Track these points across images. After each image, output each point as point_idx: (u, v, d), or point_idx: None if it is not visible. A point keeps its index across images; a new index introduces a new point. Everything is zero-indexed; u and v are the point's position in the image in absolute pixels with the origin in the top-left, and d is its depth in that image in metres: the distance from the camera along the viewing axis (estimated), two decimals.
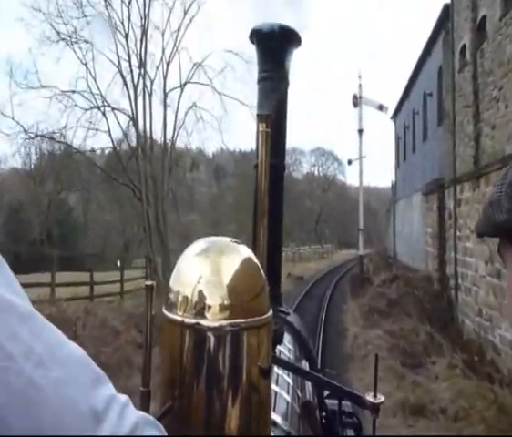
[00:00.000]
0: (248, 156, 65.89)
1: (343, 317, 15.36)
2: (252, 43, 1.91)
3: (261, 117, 1.30)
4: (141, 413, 0.67)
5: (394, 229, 27.81)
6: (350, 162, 20.79)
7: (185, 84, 19.03)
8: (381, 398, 1.12)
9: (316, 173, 68.28)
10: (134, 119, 17.49)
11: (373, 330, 11.56)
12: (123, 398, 0.65)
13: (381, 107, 20.00)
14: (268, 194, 1.33)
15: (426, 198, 16.76)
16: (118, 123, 18.07)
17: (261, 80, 1.93)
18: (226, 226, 53.02)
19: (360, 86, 19.92)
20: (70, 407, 0.57)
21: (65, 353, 0.60)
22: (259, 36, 1.88)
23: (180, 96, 21.10)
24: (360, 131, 19.89)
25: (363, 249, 20.74)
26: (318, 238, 54.47)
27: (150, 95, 18.39)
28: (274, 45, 1.86)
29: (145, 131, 18.37)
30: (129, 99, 17.58)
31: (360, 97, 19.64)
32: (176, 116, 19.20)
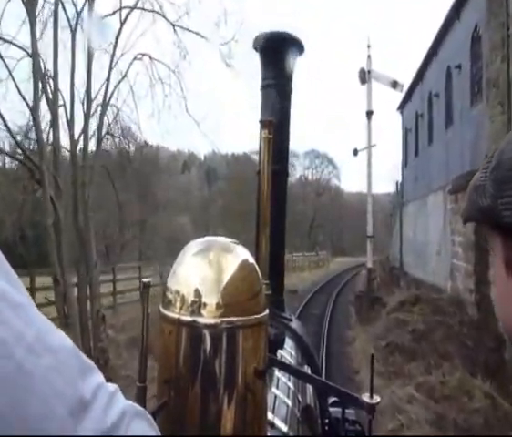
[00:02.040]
0: (240, 159, 64.27)
1: (349, 351, 12.42)
2: (256, 50, 1.97)
3: (263, 124, 1.35)
4: (130, 403, 0.68)
5: (401, 237, 23.87)
6: (356, 152, 16.69)
7: (122, 9, 11.31)
8: (377, 398, 1.12)
9: (310, 176, 65.22)
10: (34, 59, 9.82)
11: (400, 387, 8.43)
12: (112, 387, 0.66)
13: (395, 84, 16.00)
14: (271, 200, 1.35)
15: (455, 198, 12.89)
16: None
17: (264, 87, 1.99)
18: (215, 229, 49.78)
19: (369, 57, 15.81)
20: (58, 395, 0.58)
21: (55, 342, 0.61)
22: (262, 44, 1.93)
23: (119, 33, 12.50)
24: (369, 113, 15.84)
25: (371, 259, 16.49)
26: (312, 244, 50.92)
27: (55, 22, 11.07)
28: (278, 53, 1.91)
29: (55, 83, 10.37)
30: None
31: (369, 72, 15.53)
32: (111, 65, 10.64)
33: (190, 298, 0.89)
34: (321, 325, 14.56)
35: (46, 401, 0.56)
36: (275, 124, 1.35)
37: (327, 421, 1.86)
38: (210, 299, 0.88)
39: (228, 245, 0.96)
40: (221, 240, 0.98)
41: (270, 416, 1.17)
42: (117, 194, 19.31)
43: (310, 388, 1.82)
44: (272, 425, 1.22)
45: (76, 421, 0.58)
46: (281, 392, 1.48)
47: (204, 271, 0.90)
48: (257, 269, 0.96)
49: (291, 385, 1.60)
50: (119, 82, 12.46)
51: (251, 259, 0.96)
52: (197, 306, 0.88)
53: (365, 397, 1.11)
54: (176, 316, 0.89)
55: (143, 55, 12.81)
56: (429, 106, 19.50)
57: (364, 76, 15.87)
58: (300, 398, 1.63)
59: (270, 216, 1.34)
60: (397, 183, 27.59)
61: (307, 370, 1.92)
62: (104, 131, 13.22)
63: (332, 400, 1.88)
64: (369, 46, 16.02)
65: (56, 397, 0.57)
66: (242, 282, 0.91)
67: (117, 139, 16.89)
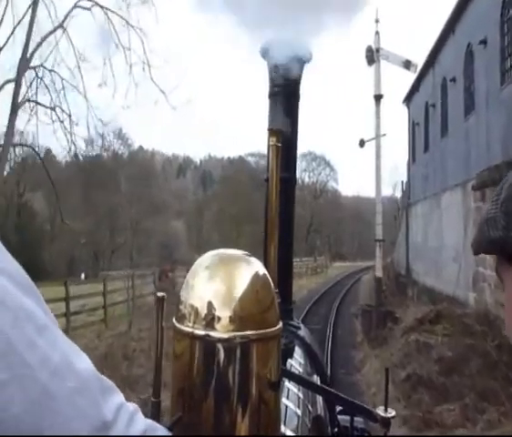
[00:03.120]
0: (236, 163, 64.93)
1: (358, 380, 10.42)
2: (264, 58, 1.96)
3: (272, 132, 1.33)
4: (150, 421, 0.71)
5: (408, 240, 21.64)
6: (362, 143, 14.37)
7: None
8: (392, 412, 1.10)
9: (307, 179, 64.22)
10: None
11: None
12: (132, 407, 0.68)
13: (407, 64, 13.73)
14: (279, 207, 1.37)
15: (481, 194, 10.77)
16: None
17: (272, 95, 2.00)
18: (210, 234, 51.04)
19: (377, 34, 13.52)
20: (82, 416, 0.60)
21: (79, 364, 0.62)
22: (270, 52, 1.90)
23: None
24: (377, 97, 13.54)
25: (381, 267, 14.12)
26: (310, 249, 48.82)
27: None
28: (285, 61, 1.86)
29: None
30: None
31: (377, 50, 13.25)
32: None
33: (204, 311, 0.88)
34: (322, 343, 12.40)
35: (70, 422, 0.58)
36: (283, 132, 1.38)
37: (336, 430, 1.83)
38: (224, 313, 0.87)
39: (241, 257, 0.96)
40: (234, 253, 0.97)
41: (282, 428, 1.16)
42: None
43: (319, 396, 1.84)
44: None
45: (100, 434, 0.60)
46: (291, 402, 1.49)
47: (217, 284, 0.90)
48: (270, 281, 0.96)
49: (300, 395, 1.61)
50: (50, 33, 10.07)
51: (265, 272, 0.96)
52: (210, 319, 0.87)
53: (380, 410, 1.10)
54: (189, 330, 0.88)
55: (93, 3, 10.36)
56: (443, 93, 17.40)
57: (372, 56, 13.59)
58: (310, 407, 1.65)
59: (278, 223, 1.35)
60: (403, 183, 25.39)
61: (316, 379, 1.93)
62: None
63: (340, 408, 1.80)
64: (377, 21, 13.74)
65: (79, 418, 0.59)
66: (256, 295, 0.91)
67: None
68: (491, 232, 0.70)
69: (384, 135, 13.86)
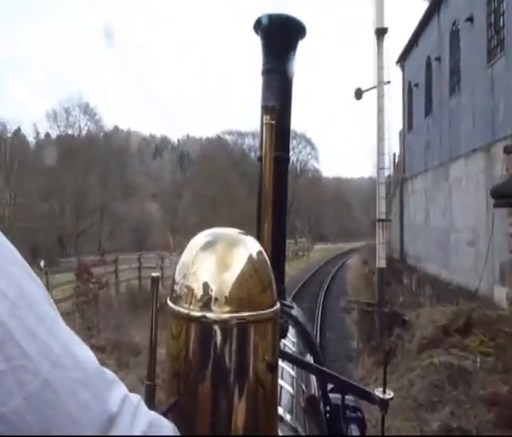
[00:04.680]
0: (214, 142, 62.16)
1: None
2: (256, 33, 1.87)
3: (266, 109, 1.27)
4: (154, 414, 0.70)
5: (402, 220, 18.64)
6: (359, 94, 11.21)
7: None
8: (390, 394, 1.10)
9: None
10: None
11: None
12: (135, 399, 0.66)
13: None
14: (272, 187, 1.31)
15: None
16: None
17: (265, 72, 1.89)
18: (186, 217, 47.56)
19: None
20: (86, 409, 0.58)
21: (81, 355, 0.61)
22: (263, 27, 1.82)
23: None
24: (380, 31, 10.33)
25: (384, 254, 10.83)
26: (290, 230, 45.56)
27: None
28: (279, 36, 1.82)
29: None
30: None
31: None
32: None
33: (199, 292, 0.85)
34: None
35: (73, 416, 0.56)
36: (277, 110, 1.32)
37: (328, 408, 1.81)
38: (220, 294, 0.84)
39: (237, 236, 0.93)
40: (230, 231, 0.94)
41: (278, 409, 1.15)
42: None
43: (312, 376, 1.83)
44: (281, 419, 1.19)
45: (103, 435, 0.59)
46: (285, 382, 1.46)
47: (213, 264, 0.87)
48: (267, 260, 0.93)
49: (294, 374, 1.59)
50: None
51: (262, 251, 0.94)
52: (206, 300, 0.84)
53: (378, 392, 1.10)
54: (185, 311, 0.86)
55: None
56: (453, 40, 14.70)
57: None
58: (304, 387, 1.64)
59: (271, 203, 1.31)
60: (394, 155, 22.28)
61: (310, 359, 1.92)
62: None
63: (331, 386, 1.79)
64: None
65: (83, 412, 0.57)
66: (253, 275, 0.88)
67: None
68: None
69: (389, 82, 10.71)
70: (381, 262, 10.75)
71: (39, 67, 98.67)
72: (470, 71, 13.05)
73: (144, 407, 0.66)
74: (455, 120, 14.14)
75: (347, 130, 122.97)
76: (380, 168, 10.87)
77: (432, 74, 17.03)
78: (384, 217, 11.02)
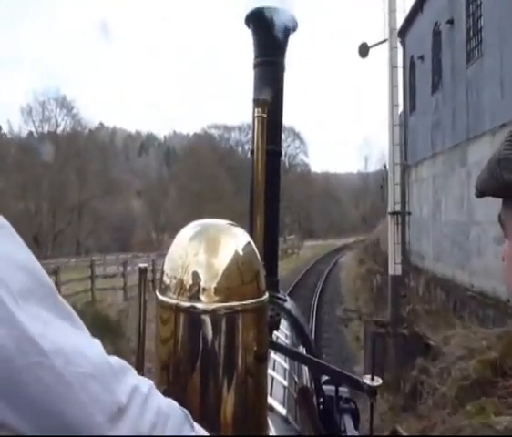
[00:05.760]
0: (202, 138, 61.12)
1: None
2: (248, 27, 1.93)
3: (257, 102, 1.30)
4: (165, 401, 0.71)
5: (404, 214, 15.91)
6: (365, 50, 8.71)
7: None
8: (378, 380, 1.10)
9: None
10: None
11: None
12: (146, 386, 0.68)
13: None
14: (265, 180, 1.33)
15: None
16: None
17: (257, 65, 1.94)
18: (171, 215, 46.67)
19: None
20: (96, 401, 0.61)
21: (91, 349, 0.64)
22: (255, 21, 1.88)
23: None
24: None
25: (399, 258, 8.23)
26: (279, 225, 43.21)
27: None
28: (271, 30, 1.81)
29: None
30: None
31: None
32: None
33: (188, 282, 0.86)
34: None
35: (85, 409, 0.59)
36: (269, 103, 1.34)
37: (321, 399, 1.86)
38: (209, 284, 0.85)
39: (225, 227, 0.94)
40: (218, 222, 0.95)
41: (268, 399, 1.14)
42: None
43: (305, 367, 1.85)
44: (272, 409, 1.21)
45: (113, 425, 0.61)
46: (277, 374, 1.48)
47: (202, 255, 0.87)
48: (256, 251, 0.95)
49: (286, 366, 1.60)
50: None
51: (250, 241, 0.95)
52: (195, 291, 0.85)
53: (366, 379, 1.10)
54: (174, 301, 0.87)
55: None
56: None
57: None
58: (296, 378, 1.65)
59: (264, 196, 1.33)
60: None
61: (302, 350, 1.92)
62: None
63: (325, 378, 1.86)
64: None
65: (94, 404, 0.60)
66: (242, 265, 0.89)
67: None
68: (504, 174, 0.67)
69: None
70: (396, 269, 8.28)
71: (18, 60, 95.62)
72: (496, 29, 10.52)
73: (155, 394, 0.68)
74: (474, 91, 11.63)
75: (335, 124, 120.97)
76: (394, 145, 8.46)
77: (441, 42, 14.53)
78: (398, 208, 8.59)
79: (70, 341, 0.60)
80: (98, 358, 0.62)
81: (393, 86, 8.82)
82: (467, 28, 12.33)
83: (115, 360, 0.65)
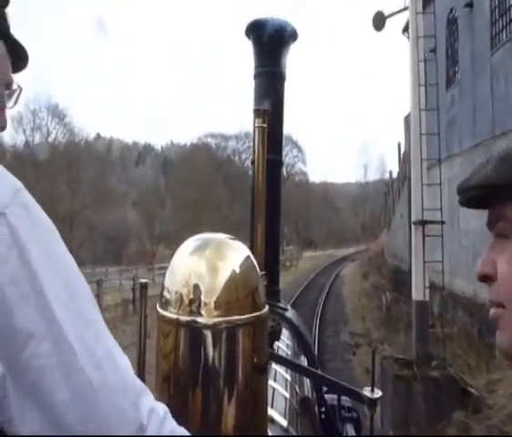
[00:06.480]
0: (199, 148, 61.43)
1: None
2: (248, 38, 1.91)
3: (258, 113, 1.30)
4: (178, 427, 0.71)
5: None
6: (380, 22, 7.06)
7: None
8: (378, 393, 1.09)
9: None
10: None
11: None
12: (162, 410, 0.68)
13: None
14: (266, 190, 1.33)
15: None
16: None
17: (257, 75, 1.92)
18: (167, 225, 45.52)
19: None
20: (120, 413, 0.61)
21: (121, 362, 0.64)
22: (255, 32, 1.86)
23: None
24: None
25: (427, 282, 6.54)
26: None
27: None
28: (271, 41, 1.81)
29: None
30: None
31: None
32: None
33: (189, 297, 0.86)
34: None
35: (110, 419, 0.60)
36: (269, 113, 1.34)
37: (323, 409, 1.81)
38: (209, 298, 0.85)
39: (225, 241, 0.94)
40: (218, 237, 0.95)
41: (269, 411, 1.14)
42: None
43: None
44: (272, 420, 1.20)
45: None
46: (278, 385, 1.47)
47: (202, 269, 0.87)
48: (255, 264, 0.94)
49: (288, 377, 1.59)
50: None
51: (250, 255, 0.95)
52: (196, 305, 0.85)
53: (366, 391, 1.11)
54: (174, 316, 0.86)
55: None
56: None
57: None
58: (297, 389, 1.64)
59: (265, 206, 1.33)
60: (399, 145, 18.57)
61: (303, 360, 1.91)
62: None
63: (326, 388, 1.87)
64: None
65: (120, 416, 0.61)
66: (241, 279, 0.89)
67: None
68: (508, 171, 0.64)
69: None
70: (419, 294, 6.40)
71: None
72: None
73: (169, 419, 0.69)
74: (501, 82, 10.11)
75: (333, 132, 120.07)
76: (420, 136, 6.86)
77: (458, 30, 13.03)
78: (421, 218, 6.89)
79: (101, 348, 0.60)
80: (127, 371, 0.63)
81: (418, 60, 7.25)
82: (492, 7, 10.81)
83: (137, 379, 0.66)
